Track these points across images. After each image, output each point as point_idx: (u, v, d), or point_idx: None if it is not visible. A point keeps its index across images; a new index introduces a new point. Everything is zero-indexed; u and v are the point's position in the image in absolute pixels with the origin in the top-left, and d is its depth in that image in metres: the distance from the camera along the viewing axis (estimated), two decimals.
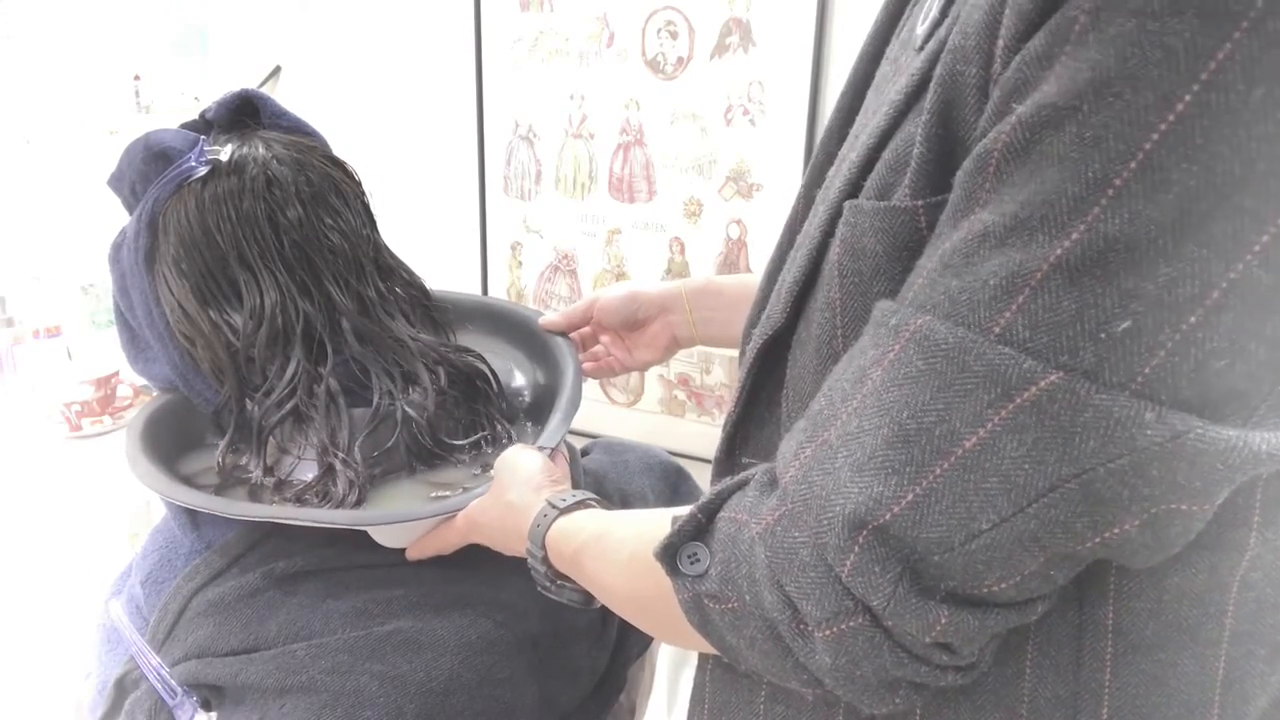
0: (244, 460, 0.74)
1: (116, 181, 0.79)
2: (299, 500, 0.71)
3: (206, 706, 0.67)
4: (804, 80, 1.15)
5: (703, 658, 0.57)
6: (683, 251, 1.31)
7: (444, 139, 1.47)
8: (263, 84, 1.59)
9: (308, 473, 0.73)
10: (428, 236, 1.50)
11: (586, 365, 0.91)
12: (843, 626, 0.39)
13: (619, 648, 0.83)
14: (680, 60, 1.23)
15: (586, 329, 0.92)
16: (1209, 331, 0.32)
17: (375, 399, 0.74)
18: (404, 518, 0.70)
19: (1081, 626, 0.42)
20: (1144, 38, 0.30)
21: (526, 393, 0.88)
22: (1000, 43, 0.36)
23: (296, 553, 0.69)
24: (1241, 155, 0.30)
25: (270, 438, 0.74)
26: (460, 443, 0.78)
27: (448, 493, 0.74)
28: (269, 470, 0.73)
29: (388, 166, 1.51)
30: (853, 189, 0.45)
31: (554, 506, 0.61)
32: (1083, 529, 0.35)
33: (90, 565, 1.24)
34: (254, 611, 0.67)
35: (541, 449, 0.71)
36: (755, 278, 0.99)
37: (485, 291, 1.49)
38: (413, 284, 0.83)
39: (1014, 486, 0.35)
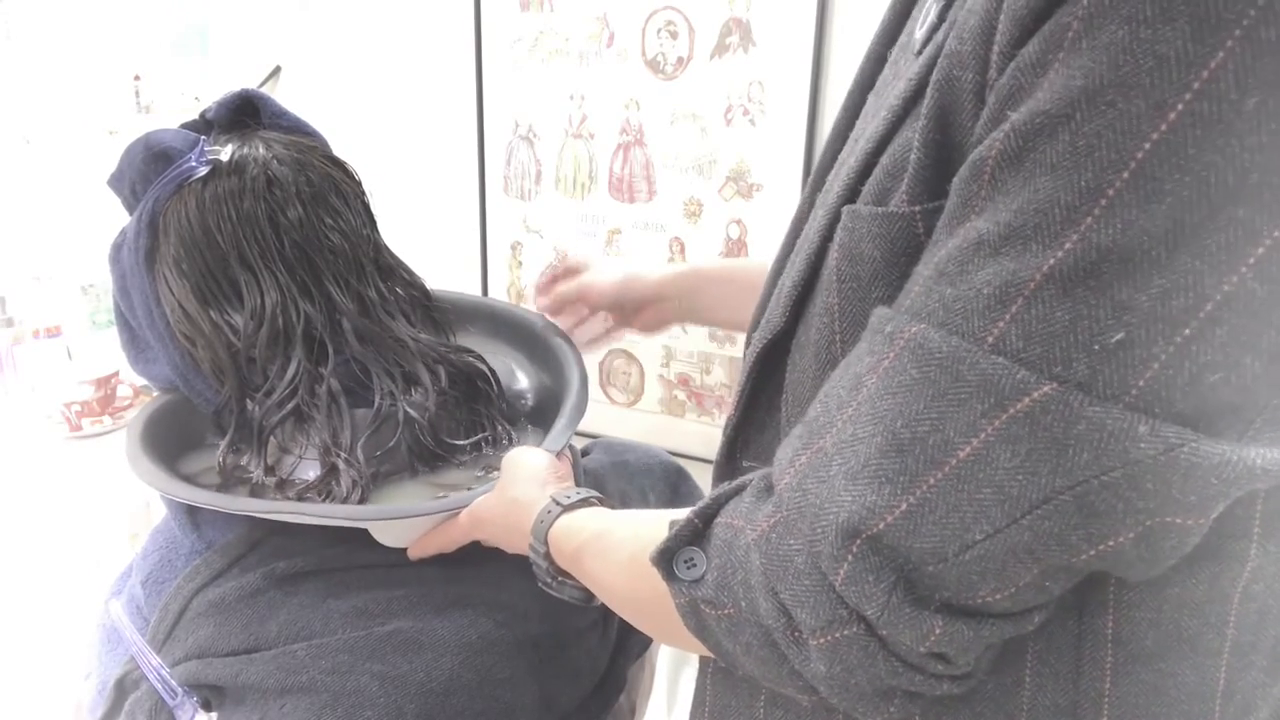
0: (245, 460, 0.74)
1: (117, 181, 0.79)
2: (301, 499, 0.71)
3: (207, 707, 0.67)
4: (804, 80, 1.15)
5: (703, 660, 0.57)
6: (683, 252, 1.31)
7: (444, 139, 1.47)
8: (263, 84, 1.59)
9: (309, 472, 0.73)
10: (428, 236, 1.50)
11: (576, 335, 0.93)
12: (837, 635, 0.39)
13: (619, 648, 0.83)
14: (680, 60, 1.23)
15: (575, 304, 0.94)
16: (1203, 344, 0.32)
17: (376, 399, 0.74)
18: (409, 513, 0.70)
19: (1081, 635, 0.42)
20: (1136, 45, 0.30)
21: (529, 396, 0.88)
22: (996, 48, 0.35)
23: (297, 553, 0.69)
24: (1235, 165, 0.30)
25: (271, 438, 0.74)
26: (461, 443, 0.78)
27: (451, 493, 0.74)
28: (270, 470, 0.73)
29: (388, 166, 1.51)
30: (851, 194, 0.45)
31: (558, 503, 0.61)
32: (1077, 541, 0.35)
33: (90, 565, 1.24)
34: (254, 612, 0.67)
35: (547, 451, 0.71)
36: (758, 263, 1.01)
37: (485, 292, 1.49)
38: (413, 284, 0.83)
39: (1007, 498, 0.34)
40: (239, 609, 0.67)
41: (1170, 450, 0.32)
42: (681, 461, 0.97)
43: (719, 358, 1.34)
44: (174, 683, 0.67)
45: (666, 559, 0.47)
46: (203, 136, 0.77)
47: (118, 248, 0.79)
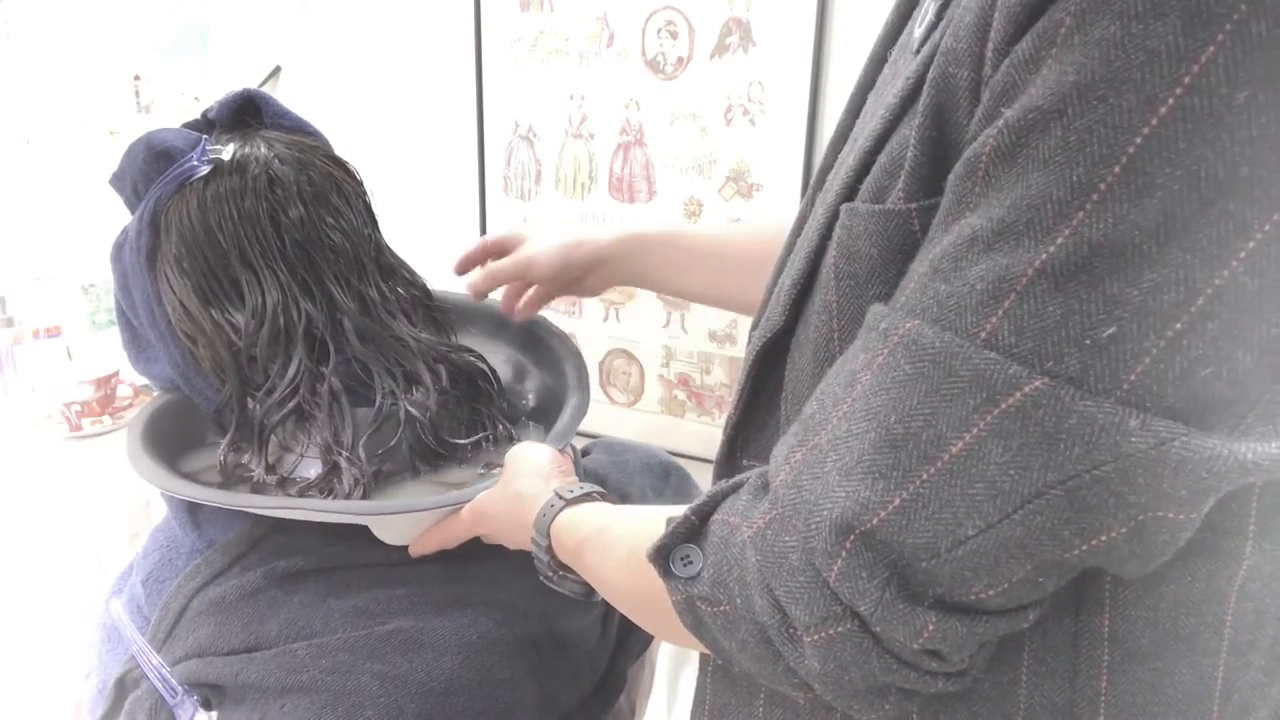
0: (246, 459, 0.74)
1: (118, 181, 0.79)
2: (303, 497, 0.71)
3: (207, 706, 0.67)
4: (804, 80, 1.15)
5: (703, 659, 0.57)
6: None
7: (444, 139, 1.47)
8: (263, 84, 1.59)
9: (310, 471, 0.73)
10: (428, 236, 1.50)
11: (519, 306, 0.92)
12: (831, 632, 0.39)
13: (619, 648, 0.83)
14: (680, 60, 1.24)
15: (519, 283, 0.92)
16: (1195, 338, 0.32)
17: (378, 398, 0.74)
18: (411, 507, 0.70)
19: (1078, 634, 0.41)
20: (1127, 40, 0.30)
21: (530, 396, 0.89)
22: (991, 45, 0.36)
23: (298, 552, 0.70)
24: (1225, 159, 0.30)
25: (272, 436, 0.74)
26: (463, 442, 0.78)
27: (453, 490, 0.74)
28: (271, 468, 0.73)
29: (388, 166, 1.51)
30: (849, 192, 0.45)
31: (561, 497, 0.62)
32: (1069, 536, 0.35)
33: (91, 565, 1.24)
34: (255, 611, 0.67)
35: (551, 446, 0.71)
36: (707, 230, 0.99)
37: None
38: (414, 284, 0.84)
39: (1000, 493, 0.34)
40: (240, 608, 0.67)
41: (1161, 444, 0.32)
42: (681, 461, 0.97)
43: (719, 358, 1.34)
44: (174, 682, 0.67)
45: (663, 556, 0.47)
46: (204, 136, 0.77)
47: (119, 246, 0.79)
